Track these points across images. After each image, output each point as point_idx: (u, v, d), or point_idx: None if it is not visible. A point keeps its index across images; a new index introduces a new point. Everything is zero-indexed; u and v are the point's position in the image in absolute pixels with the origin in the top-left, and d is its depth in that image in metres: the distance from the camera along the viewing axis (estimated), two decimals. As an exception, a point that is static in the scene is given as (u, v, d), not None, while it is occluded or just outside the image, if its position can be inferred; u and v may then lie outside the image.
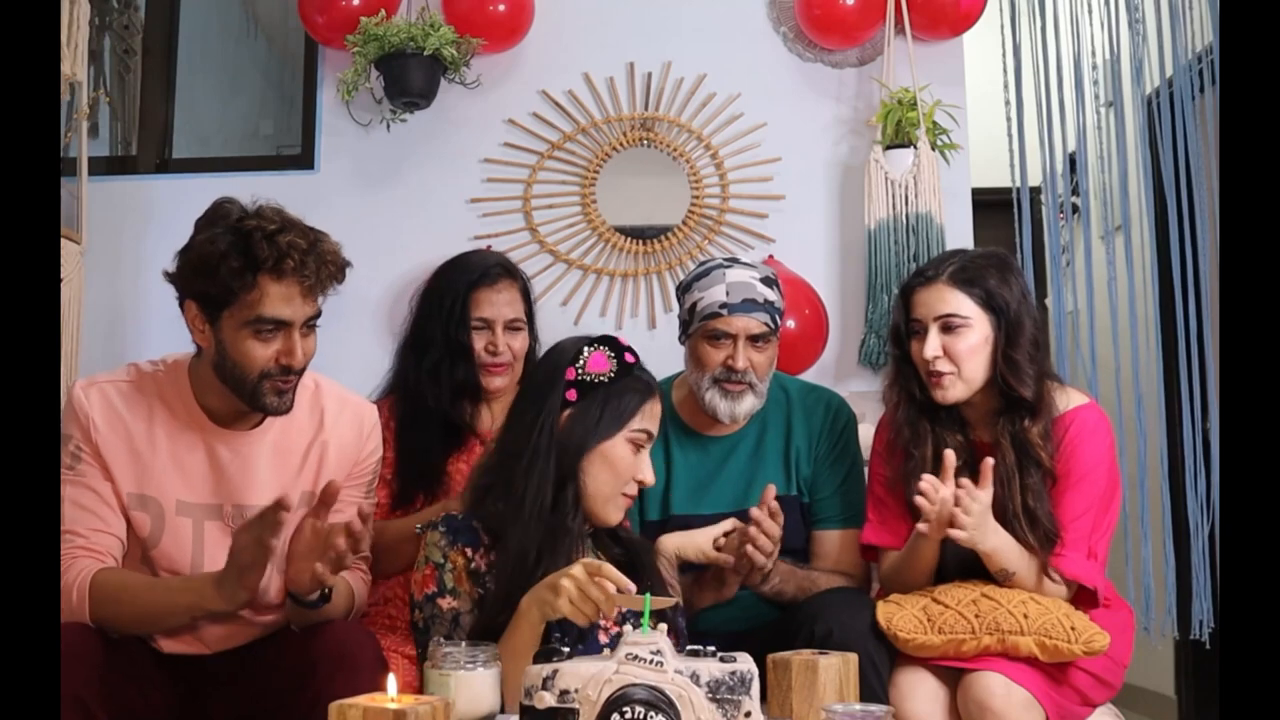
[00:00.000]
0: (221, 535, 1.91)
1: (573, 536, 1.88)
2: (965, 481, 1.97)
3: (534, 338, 2.53)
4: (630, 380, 1.92)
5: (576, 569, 1.72)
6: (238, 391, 1.89)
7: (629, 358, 1.93)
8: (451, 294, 2.44)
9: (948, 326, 2.10)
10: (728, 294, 2.26)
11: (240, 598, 1.76)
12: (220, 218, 1.87)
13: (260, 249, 1.81)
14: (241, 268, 1.81)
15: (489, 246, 3.12)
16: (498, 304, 2.43)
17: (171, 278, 1.91)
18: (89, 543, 1.85)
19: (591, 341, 1.94)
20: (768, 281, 2.30)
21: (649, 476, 1.92)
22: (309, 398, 2.04)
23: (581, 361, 1.92)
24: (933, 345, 2.10)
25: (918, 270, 2.24)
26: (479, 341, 2.42)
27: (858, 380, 3.04)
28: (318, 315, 1.92)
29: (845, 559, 2.28)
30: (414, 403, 2.40)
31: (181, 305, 1.92)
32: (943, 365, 2.10)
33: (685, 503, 2.31)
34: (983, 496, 1.98)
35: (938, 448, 2.11)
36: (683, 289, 2.36)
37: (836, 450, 2.34)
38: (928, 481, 1.98)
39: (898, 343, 2.20)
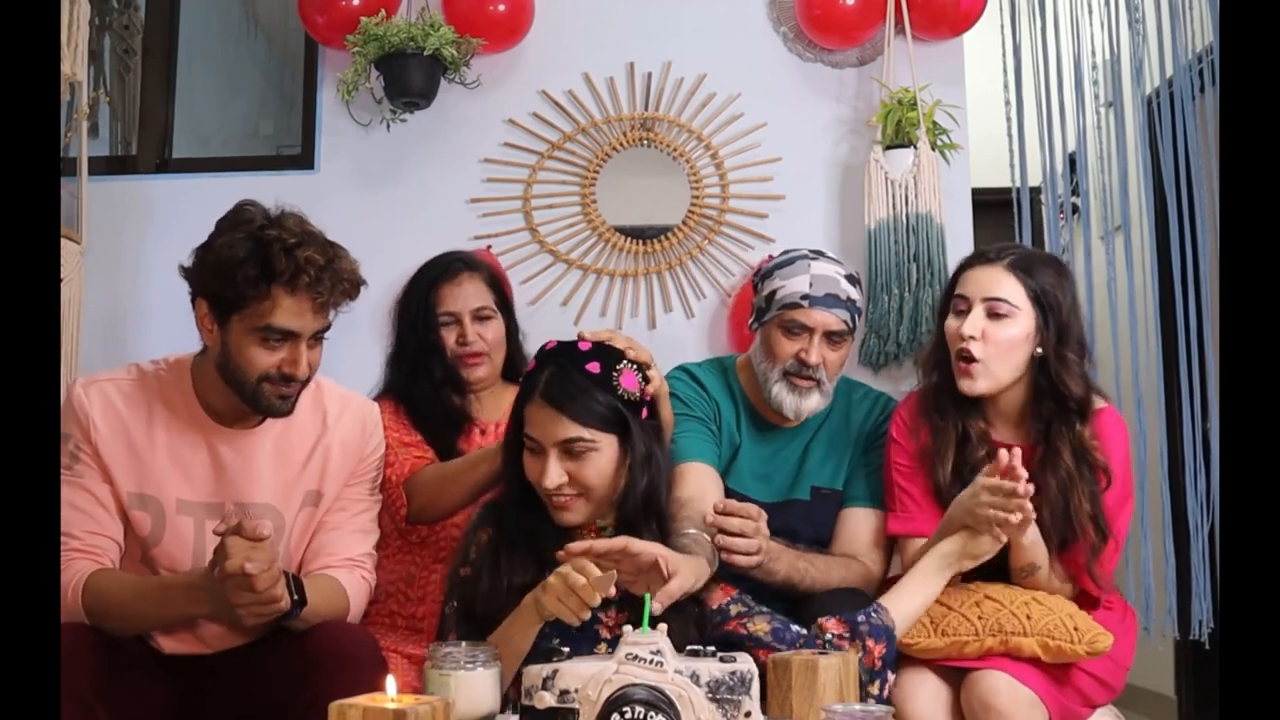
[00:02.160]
0: None
1: (537, 533, 1.91)
2: (1014, 486, 1.92)
3: (514, 326, 2.55)
4: (525, 384, 1.94)
5: (565, 566, 1.71)
6: (239, 393, 1.90)
7: (531, 363, 1.96)
8: (416, 296, 2.49)
9: (994, 312, 2.09)
10: (811, 286, 2.24)
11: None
12: (243, 222, 1.88)
13: (278, 261, 1.82)
14: (257, 277, 1.83)
15: (489, 247, 3.12)
16: (460, 296, 2.47)
17: (186, 274, 1.93)
18: (84, 544, 1.86)
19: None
20: (852, 279, 2.30)
21: (544, 480, 1.89)
22: (311, 398, 2.04)
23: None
24: (974, 323, 2.09)
25: (978, 251, 2.24)
26: (449, 336, 2.46)
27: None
28: (327, 328, 1.93)
29: (862, 539, 2.28)
30: (410, 403, 2.42)
31: (193, 302, 1.93)
32: (976, 349, 2.08)
33: (745, 482, 2.33)
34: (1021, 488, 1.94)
35: (961, 431, 2.13)
36: (762, 275, 2.35)
37: (877, 443, 2.35)
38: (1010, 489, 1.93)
39: (942, 319, 2.21)
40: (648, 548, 1.78)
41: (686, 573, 1.80)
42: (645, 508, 1.92)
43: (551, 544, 1.83)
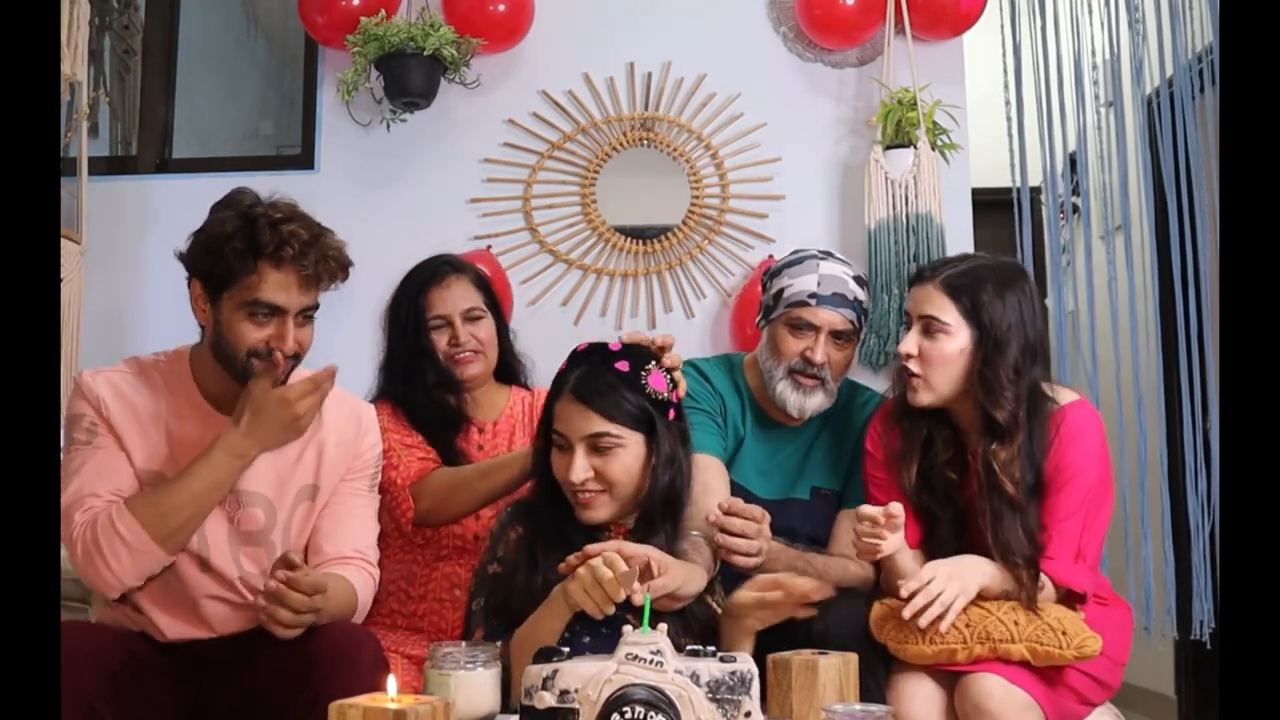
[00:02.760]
0: (221, 520, 1.95)
1: (564, 529, 1.92)
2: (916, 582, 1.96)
3: (503, 326, 2.55)
4: (556, 383, 1.96)
5: (597, 559, 1.74)
6: (230, 370, 1.95)
7: (563, 365, 1.97)
8: (406, 302, 2.49)
9: (928, 329, 2.11)
10: (819, 285, 2.27)
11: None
12: (233, 203, 1.95)
13: (263, 234, 1.88)
14: (244, 250, 1.88)
15: (489, 247, 3.12)
16: (450, 299, 2.47)
17: (182, 256, 1.98)
18: (106, 500, 1.88)
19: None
20: (860, 280, 2.33)
21: (570, 474, 1.90)
22: None
23: None
24: (909, 342, 2.12)
25: (920, 266, 2.27)
26: (442, 339, 2.46)
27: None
28: (315, 307, 1.97)
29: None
30: (407, 406, 2.43)
31: (189, 284, 1.98)
32: (913, 365, 2.11)
33: (747, 477, 2.33)
34: (934, 569, 1.97)
35: (928, 438, 2.14)
36: (771, 274, 2.37)
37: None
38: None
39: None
40: (640, 550, 1.81)
41: (676, 574, 1.82)
42: (665, 507, 1.94)
43: (581, 541, 1.84)
